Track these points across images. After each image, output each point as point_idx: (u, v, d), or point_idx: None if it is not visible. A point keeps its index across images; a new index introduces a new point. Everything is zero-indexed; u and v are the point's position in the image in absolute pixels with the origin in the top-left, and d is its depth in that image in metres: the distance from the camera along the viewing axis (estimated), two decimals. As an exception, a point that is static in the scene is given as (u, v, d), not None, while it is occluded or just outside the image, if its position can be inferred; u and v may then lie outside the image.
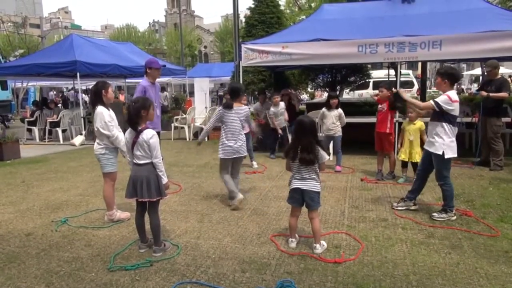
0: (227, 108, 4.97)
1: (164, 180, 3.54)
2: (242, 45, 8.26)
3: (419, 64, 27.33)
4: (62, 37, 35.91)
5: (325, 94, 22.04)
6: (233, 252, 3.62)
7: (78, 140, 10.83)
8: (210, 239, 3.93)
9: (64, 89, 28.77)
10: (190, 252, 3.63)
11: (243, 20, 15.05)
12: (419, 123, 5.81)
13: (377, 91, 6.57)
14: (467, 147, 8.54)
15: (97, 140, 4.36)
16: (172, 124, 11.58)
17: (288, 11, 21.01)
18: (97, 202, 5.25)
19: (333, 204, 4.98)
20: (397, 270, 3.24)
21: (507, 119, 7.61)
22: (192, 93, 18.14)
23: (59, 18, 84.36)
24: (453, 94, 4.26)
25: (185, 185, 6.04)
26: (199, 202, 5.21)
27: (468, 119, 7.86)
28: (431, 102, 4.31)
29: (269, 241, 3.86)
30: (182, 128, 11.66)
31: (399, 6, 9.02)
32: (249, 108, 5.41)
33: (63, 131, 11.81)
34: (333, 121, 6.73)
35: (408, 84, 20.05)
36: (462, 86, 23.32)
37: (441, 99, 4.25)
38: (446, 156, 4.29)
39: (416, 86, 20.28)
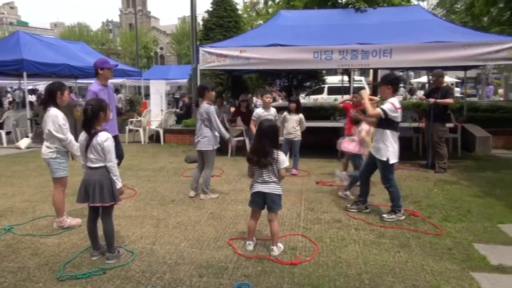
0: (196, 106, 5.32)
1: (118, 184, 3.44)
2: (200, 48, 8.21)
3: (371, 71, 28.40)
4: (7, 34, 33.89)
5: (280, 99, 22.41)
6: (190, 257, 3.58)
7: (24, 143, 10.24)
8: (166, 244, 3.86)
9: (9, 89, 27.10)
10: (146, 258, 3.55)
11: (201, 23, 14.97)
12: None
13: (340, 97, 6.71)
14: (414, 150, 8.99)
15: (46, 143, 4.16)
16: (127, 127, 11.26)
17: (245, 15, 21.14)
18: (45, 208, 4.99)
19: (289, 206, 5.06)
20: (351, 270, 3.36)
21: (451, 125, 8.11)
22: (147, 96, 17.77)
23: (3, 13, 79.43)
24: (396, 101, 4.48)
25: (140, 190, 5.89)
26: (154, 207, 5.10)
27: (416, 124, 8.27)
28: (379, 109, 4.49)
29: (226, 245, 3.85)
30: (137, 131, 11.36)
31: (352, 15, 9.37)
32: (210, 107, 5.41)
33: (7, 133, 11.12)
34: (293, 125, 6.84)
35: (360, 91, 20.82)
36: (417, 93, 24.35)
37: (387, 107, 4.43)
38: (390, 162, 4.52)
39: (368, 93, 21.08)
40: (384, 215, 4.62)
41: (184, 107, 12.76)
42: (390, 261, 3.52)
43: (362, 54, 7.58)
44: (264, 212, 3.73)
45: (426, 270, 3.35)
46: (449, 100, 6.84)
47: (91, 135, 3.33)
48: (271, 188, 3.60)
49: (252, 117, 6.83)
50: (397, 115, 4.44)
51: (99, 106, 3.38)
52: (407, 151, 8.76)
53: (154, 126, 11.20)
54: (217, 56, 8.07)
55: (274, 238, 3.66)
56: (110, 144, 3.36)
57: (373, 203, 5.12)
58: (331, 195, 5.65)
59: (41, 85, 25.89)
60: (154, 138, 11.26)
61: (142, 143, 10.93)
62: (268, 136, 3.57)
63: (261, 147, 3.55)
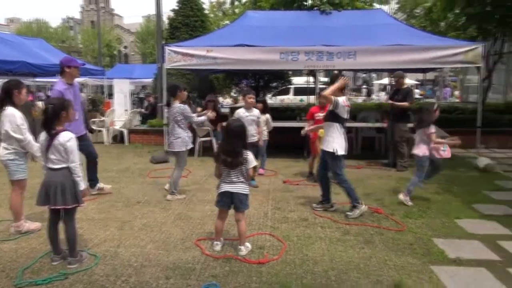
0: (167, 106, 5.54)
1: (82, 186, 3.33)
2: (166, 47, 8.08)
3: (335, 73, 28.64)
4: (-43, 29, 32.04)
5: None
6: (156, 259, 3.52)
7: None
8: (131, 247, 3.77)
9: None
10: (110, 262, 3.45)
11: (167, 21, 14.73)
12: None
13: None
14: (377, 150, 9.26)
15: (3, 145, 3.97)
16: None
17: (212, 15, 21.03)
18: (0, 212, 4.74)
19: (256, 206, 5.08)
20: (317, 267, 3.41)
21: (411, 125, 8.40)
22: (111, 95, 17.28)
23: (-47, 7, 74.86)
24: (345, 99, 4.73)
25: (104, 191, 5.71)
26: (119, 208, 4.97)
27: (378, 125, 8.53)
28: (333, 97, 4.63)
29: (193, 246, 3.82)
30: (100, 131, 11.02)
31: (318, 17, 9.54)
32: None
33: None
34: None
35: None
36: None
37: (341, 99, 4.66)
38: (337, 153, 4.67)
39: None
40: (348, 213, 4.73)
41: (149, 106, 12.52)
42: (355, 257, 3.62)
43: (327, 56, 7.73)
44: (231, 212, 3.73)
45: (389, 265, 3.46)
46: (404, 104, 7.11)
47: (52, 135, 3.21)
48: (239, 188, 3.61)
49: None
50: (344, 111, 4.70)
51: (61, 105, 3.29)
52: (370, 151, 9.06)
53: (118, 126, 10.91)
54: (184, 55, 7.98)
55: (242, 237, 3.66)
56: (73, 144, 3.26)
57: (338, 201, 5.23)
58: (297, 194, 5.72)
59: (-4, 84, 24.75)
60: (118, 138, 10.96)
61: (105, 143, 10.62)
62: (238, 136, 3.58)
63: (231, 148, 3.55)
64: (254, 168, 3.72)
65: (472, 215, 4.81)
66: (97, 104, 15.25)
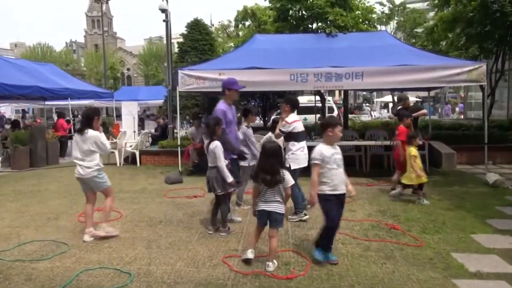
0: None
1: (230, 178, 4.68)
2: (179, 71, 8.35)
3: (336, 92, 29.12)
4: (-35, 54, 32.56)
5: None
6: (188, 276, 3.65)
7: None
8: (162, 265, 3.91)
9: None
10: (144, 279, 3.59)
11: (176, 45, 15.12)
12: (413, 150, 6.31)
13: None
14: (386, 167, 9.40)
15: (85, 164, 4.57)
16: (101, 149, 11.06)
17: (219, 39, 21.55)
18: (29, 233, 4.90)
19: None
20: (343, 282, 3.54)
21: (419, 142, 8.59)
22: (118, 117, 17.56)
23: (-41, 33, 76.33)
24: (290, 117, 5.35)
25: (126, 212, 5.86)
26: (143, 228, 5.11)
27: (387, 143, 8.71)
28: (277, 130, 5.47)
29: (221, 263, 3.95)
30: (112, 153, 11.21)
31: (324, 40, 9.86)
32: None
33: (-27, 157, 10.69)
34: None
35: (329, 110, 21.58)
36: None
37: (281, 125, 5.39)
38: (292, 168, 5.08)
39: (335, 111, 21.88)
40: (289, 216, 5.25)
41: (159, 128, 12.75)
42: (379, 272, 3.74)
43: (336, 77, 7.97)
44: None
45: (412, 279, 3.59)
46: (423, 111, 7.50)
47: (210, 141, 4.69)
48: (274, 207, 3.78)
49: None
50: (293, 127, 5.30)
51: (217, 121, 4.75)
52: (378, 168, 9.21)
53: (129, 147, 11.11)
54: (196, 78, 8.25)
55: (272, 254, 3.81)
56: (219, 149, 4.62)
57: (356, 218, 5.36)
58: (314, 212, 5.83)
59: (3, 107, 25.11)
60: (129, 160, 11.14)
61: (118, 165, 10.80)
62: (274, 155, 3.80)
63: (269, 166, 3.75)
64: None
65: (487, 230, 4.94)
66: (107, 126, 15.51)
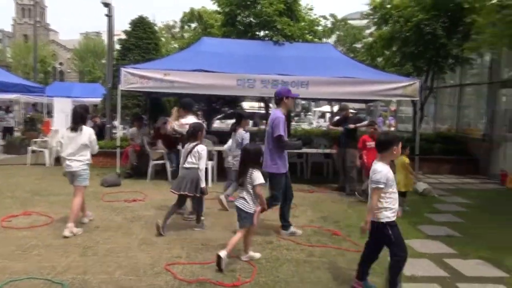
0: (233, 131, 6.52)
1: (203, 183, 4.88)
2: (122, 69, 7.97)
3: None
4: None
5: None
6: (128, 285, 3.45)
7: None
8: (99, 274, 3.65)
9: None
10: (79, 290, 3.32)
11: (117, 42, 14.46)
12: (406, 159, 6.42)
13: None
14: (325, 175, 9.69)
15: (76, 158, 4.84)
16: (29, 148, 10.24)
17: (163, 39, 20.99)
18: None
19: (221, 230, 5.14)
20: (289, 287, 3.55)
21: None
22: (48, 113, 16.36)
23: None
24: (186, 120, 5.77)
25: (57, 216, 5.43)
26: (78, 234, 4.74)
27: (328, 151, 9.00)
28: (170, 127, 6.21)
29: (164, 271, 3.78)
30: (41, 151, 10.40)
31: (271, 47, 10.01)
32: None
33: None
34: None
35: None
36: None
37: (177, 126, 5.96)
38: None
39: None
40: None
41: (95, 128, 12.03)
42: (323, 277, 3.81)
43: (282, 84, 8.06)
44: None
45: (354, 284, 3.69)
46: (365, 122, 7.95)
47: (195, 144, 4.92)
48: (240, 203, 4.01)
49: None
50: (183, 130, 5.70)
51: (200, 128, 5.09)
52: (318, 175, 9.48)
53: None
54: (140, 77, 7.93)
55: (230, 246, 3.92)
56: (205, 152, 4.95)
57: (298, 224, 5.44)
58: (261, 217, 5.82)
59: None
60: (61, 160, 10.38)
61: (47, 165, 10.02)
62: (247, 155, 4.08)
63: (242, 166, 4.09)
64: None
65: (419, 235, 5.26)
66: (35, 124, 14.38)
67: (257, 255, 4.21)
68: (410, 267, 4.11)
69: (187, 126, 5.37)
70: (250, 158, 4.03)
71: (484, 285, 3.83)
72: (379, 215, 3.33)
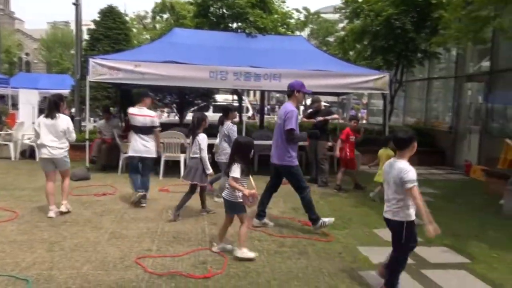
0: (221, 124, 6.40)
1: (210, 170, 5.17)
2: (90, 60, 7.74)
3: (251, 92, 29.80)
4: None
5: (165, 114, 22.08)
6: (96, 280, 3.38)
7: None
8: (66, 269, 3.57)
9: None
10: (44, 285, 3.24)
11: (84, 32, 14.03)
12: (391, 152, 6.37)
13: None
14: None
15: (57, 144, 5.03)
16: (-7, 141, 9.82)
17: (134, 29, 20.50)
18: None
19: (192, 222, 5.11)
20: (260, 278, 3.59)
21: (329, 144, 9.13)
22: (14, 106, 15.75)
23: None
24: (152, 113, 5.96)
25: (23, 211, 5.25)
26: (44, 229, 4.61)
27: (301, 143, 9.05)
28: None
29: (134, 264, 3.74)
30: (6, 145, 10.01)
31: (244, 39, 9.95)
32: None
33: None
34: None
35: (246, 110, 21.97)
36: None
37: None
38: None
39: (251, 111, 22.32)
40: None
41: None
42: (293, 267, 3.87)
43: (255, 77, 8.09)
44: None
45: (324, 273, 3.77)
46: (335, 116, 8.14)
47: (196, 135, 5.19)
48: (225, 192, 4.10)
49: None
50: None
51: (203, 118, 5.35)
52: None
53: (28, 140, 10.00)
54: (110, 68, 7.72)
55: (241, 240, 4.03)
56: (204, 142, 5.16)
57: (271, 215, 5.48)
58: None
59: None
60: (27, 153, 10.04)
61: (13, 159, 9.65)
62: (236, 148, 4.14)
63: (230, 157, 4.13)
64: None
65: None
66: (0, 116, 13.80)
67: (229, 247, 4.19)
68: (378, 256, 4.21)
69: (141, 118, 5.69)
70: (240, 150, 4.07)
71: (447, 271, 3.99)
72: (406, 213, 3.34)
